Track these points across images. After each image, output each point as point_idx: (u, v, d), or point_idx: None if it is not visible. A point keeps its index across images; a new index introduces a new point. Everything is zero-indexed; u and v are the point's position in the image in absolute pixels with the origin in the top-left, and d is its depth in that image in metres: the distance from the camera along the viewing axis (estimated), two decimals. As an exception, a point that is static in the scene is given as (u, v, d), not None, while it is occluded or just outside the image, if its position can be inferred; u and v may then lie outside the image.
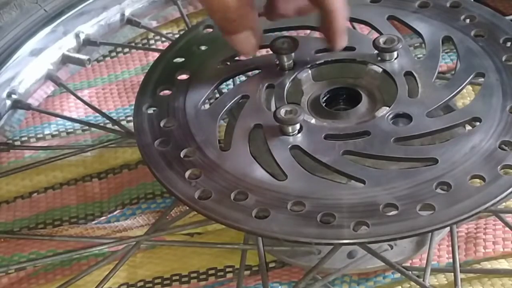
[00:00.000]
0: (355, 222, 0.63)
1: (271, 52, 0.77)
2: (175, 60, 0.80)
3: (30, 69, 0.89)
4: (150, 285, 0.79)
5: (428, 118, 0.71)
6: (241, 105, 0.76)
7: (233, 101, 0.76)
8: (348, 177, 0.68)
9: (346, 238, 0.64)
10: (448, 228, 0.72)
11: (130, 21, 0.96)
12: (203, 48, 0.81)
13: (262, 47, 0.81)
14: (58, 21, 0.91)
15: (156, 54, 0.89)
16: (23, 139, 0.92)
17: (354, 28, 0.84)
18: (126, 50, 0.99)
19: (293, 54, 0.77)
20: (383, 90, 0.75)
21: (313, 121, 0.73)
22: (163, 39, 0.98)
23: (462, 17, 0.79)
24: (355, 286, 0.76)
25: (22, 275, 0.80)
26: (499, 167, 0.66)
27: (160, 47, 0.97)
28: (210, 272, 0.79)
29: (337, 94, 0.75)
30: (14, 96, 0.87)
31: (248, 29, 0.70)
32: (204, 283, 0.78)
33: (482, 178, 0.65)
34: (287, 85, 0.76)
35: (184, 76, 0.79)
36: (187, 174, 0.69)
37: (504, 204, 0.78)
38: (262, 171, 0.69)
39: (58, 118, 0.92)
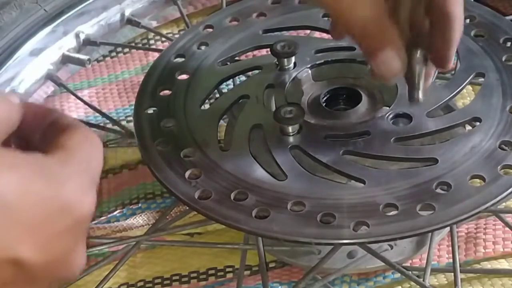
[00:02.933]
0: (355, 222, 0.63)
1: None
2: (175, 60, 0.80)
3: (30, 69, 0.89)
4: (150, 285, 0.78)
5: (428, 118, 0.71)
6: (241, 105, 0.76)
7: (233, 101, 0.76)
8: (348, 177, 0.68)
9: (346, 238, 0.64)
10: (448, 228, 0.72)
11: (130, 21, 0.96)
12: (203, 48, 0.81)
13: (262, 46, 0.81)
14: (58, 21, 0.91)
15: (156, 54, 0.89)
16: (23, 139, 0.92)
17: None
18: (126, 50, 0.99)
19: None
20: (383, 90, 0.75)
21: (313, 121, 0.73)
22: (163, 39, 0.98)
23: (462, 17, 0.79)
24: (355, 286, 0.76)
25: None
26: (499, 167, 0.66)
27: (160, 47, 0.97)
28: (210, 272, 0.79)
29: (337, 94, 0.75)
30: (14, 96, 0.87)
31: (391, 45, 0.64)
32: (204, 283, 0.78)
33: (482, 178, 0.65)
34: (287, 85, 0.76)
35: (184, 76, 0.79)
36: (187, 174, 0.69)
37: (504, 204, 0.78)
38: (262, 171, 0.69)
39: (58, 118, 0.92)
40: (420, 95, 0.68)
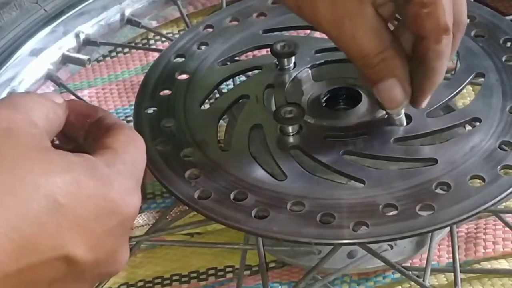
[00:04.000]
0: (354, 222, 0.63)
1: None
2: (175, 60, 0.80)
3: (30, 69, 0.89)
4: (150, 285, 0.78)
5: (428, 118, 0.71)
6: (241, 105, 0.76)
7: (233, 101, 0.76)
8: (348, 177, 0.68)
9: (346, 238, 0.64)
10: (448, 228, 0.71)
11: (130, 21, 0.96)
12: (203, 48, 0.81)
13: (262, 46, 0.81)
14: (58, 21, 0.91)
15: (156, 54, 0.89)
16: (23, 139, 0.92)
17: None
18: (126, 50, 0.99)
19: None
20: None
21: (313, 121, 0.72)
22: (163, 39, 0.98)
23: (462, 17, 0.79)
24: (355, 286, 0.76)
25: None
26: (499, 167, 0.66)
27: (160, 47, 0.97)
28: (210, 272, 0.79)
29: (337, 94, 0.75)
30: (14, 96, 0.87)
31: (393, 76, 0.64)
32: (204, 283, 0.78)
33: (482, 178, 0.65)
34: (287, 85, 0.76)
35: (184, 76, 0.79)
36: (187, 174, 0.69)
37: (504, 204, 0.78)
38: (262, 171, 0.69)
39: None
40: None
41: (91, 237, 0.51)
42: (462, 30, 0.66)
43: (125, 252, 0.55)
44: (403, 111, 0.69)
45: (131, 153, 0.55)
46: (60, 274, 0.50)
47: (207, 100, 0.78)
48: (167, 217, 0.77)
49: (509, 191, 0.65)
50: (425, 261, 0.71)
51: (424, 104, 0.68)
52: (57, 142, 0.58)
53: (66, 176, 0.50)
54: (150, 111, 0.76)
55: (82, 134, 0.59)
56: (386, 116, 0.70)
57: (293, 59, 0.77)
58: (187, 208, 0.68)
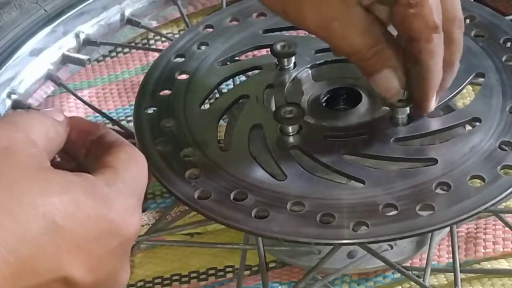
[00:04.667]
0: (354, 222, 0.63)
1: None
2: (175, 60, 0.80)
3: (30, 69, 0.89)
4: (150, 285, 0.78)
5: (428, 118, 0.71)
6: (241, 105, 0.76)
7: (233, 101, 0.76)
8: (348, 177, 0.68)
9: (346, 238, 0.64)
10: (448, 228, 0.72)
11: (130, 21, 0.96)
12: (203, 48, 0.81)
13: (262, 46, 0.81)
14: (58, 21, 0.91)
15: (156, 54, 0.89)
16: (23, 139, 0.91)
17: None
18: (126, 50, 0.99)
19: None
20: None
21: (313, 121, 0.73)
22: (163, 39, 0.98)
23: (462, 17, 0.79)
24: (355, 286, 0.76)
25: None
26: (499, 167, 0.66)
27: (160, 47, 0.97)
28: (210, 272, 0.79)
29: (337, 94, 0.75)
30: (14, 96, 0.87)
31: (387, 67, 0.65)
32: (204, 283, 0.78)
33: (482, 178, 0.65)
34: (287, 85, 0.76)
35: (184, 76, 0.79)
36: (186, 174, 0.69)
37: (504, 204, 0.78)
38: (262, 171, 0.69)
39: (58, 118, 0.92)
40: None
41: (91, 258, 0.50)
42: (460, 26, 0.67)
43: (126, 273, 0.54)
44: (407, 109, 0.69)
45: (132, 171, 0.55)
46: None
47: (207, 100, 0.78)
48: (167, 217, 0.77)
49: (509, 191, 0.65)
50: (425, 261, 0.71)
51: (431, 107, 0.69)
52: (58, 159, 0.58)
53: (65, 196, 0.49)
54: (150, 111, 0.76)
55: (83, 151, 0.58)
56: (390, 114, 0.70)
57: (293, 59, 0.77)
58: (187, 208, 0.69)
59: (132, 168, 0.55)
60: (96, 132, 0.58)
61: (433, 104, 0.69)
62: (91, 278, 0.50)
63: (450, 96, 0.73)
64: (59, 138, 0.55)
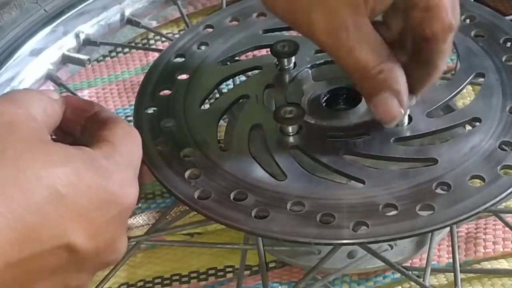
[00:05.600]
0: (354, 222, 0.63)
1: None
2: (175, 60, 0.80)
3: (30, 69, 0.89)
4: (150, 285, 0.78)
5: (428, 118, 0.71)
6: (241, 105, 0.76)
7: (233, 101, 0.76)
8: (348, 177, 0.68)
9: (346, 238, 0.64)
10: (448, 228, 0.71)
11: (130, 21, 0.96)
12: (203, 48, 0.81)
13: (262, 46, 0.81)
14: (58, 21, 0.91)
15: (156, 54, 0.89)
16: (23, 139, 0.92)
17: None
18: (126, 50, 0.99)
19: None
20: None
21: (313, 121, 0.73)
22: (163, 39, 0.98)
23: (462, 17, 0.79)
24: (355, 286, 0.76)
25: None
26: (499, 167, 0.66)
27: (160, 47, 0.97)
28: (210, 272, 0.79)
29: (337, 94, 0.75)
30: (14, 96, 0.87)
31: (390, 89, 0.63)
32: (204, 283, 0.78)
33: (482, 178, 0.65)
34: (287, 85, 0.76)
35: (184, 76, 0.79)
36: (186, 174, 0.69)
37: (504, 204, 0.78)
38: (262, 171, 0.69)
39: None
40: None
41: (92, 226, 0.52)
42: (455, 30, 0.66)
43: (124, 242, 0.56)
44: (408, 111, 0.69)
45: (127, 145, 0.57)
46: (62, 262, 0.52)
47: (207, 100, 0.78)
48: (167, 217, 0.77)
49: (509, 191, 0.65)
50: (425, 261, 0.71)
51: (418, 97, 0.70)
52: (54, 137, 0.59)
53: (67, 167, 0.51)
54: (150, 111, 0.76)
55: (78, 128, 0.60)
56: None
57: (293, 59, 0.77)
58: (187, 208, 0.68)
59: (128, 142, 0.57)
60: (91, 109, 0.61)
61: (419, 96, 0.69)
62: (92, 245, 0.52)
63: (450, 96, 0.73)
64: (56, 115, 0.58)
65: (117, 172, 0.54)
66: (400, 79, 0.64)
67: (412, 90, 0.67)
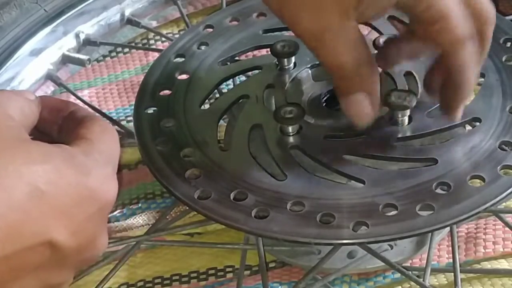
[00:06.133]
0: (354, 222, 0.63)
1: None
2: (175, 60, 0.80)
3: (30, 69, 0.89)
4: (150, 285, 0.78)
5: (428, 118, 0.71)
6: (241, 105, 0.76)
7: (233, 101, 0.76)
8: (348, 177, 0.68)
9: (346, 238, 0.64)
10: (448, 228, 0.72)
11: (130, 21, 0.96)
12: (203, 48, 0.81)
13: (262, 46, 0.81)
14: (58, 21, 0.91)
15: (156, 54, 0.89)
16: (23, 139, 0.92)
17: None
18: (126, 50, 0.99)
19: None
20: (383, 90, 0.75)
21: (313, 121, 0.73)
22: (163, 39, 0.98)
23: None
24: (355, 286, 0.76)
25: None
26: (499, 167, 0.66)
27: (160, 47, 0.97)
28: (210, 272, 0.79)
29: (337, 94, 0.75)
30: (14, 96, 0.87)
31: (363, 91, 0.64)
32: (204, 283, 0.78)
33: (482, 178, 0.65)
34: (287, 85, 0.76)
35: (184, 76, 0.79)
36: (186, 174, 0.69)
37: (504, 204, 0.78)
38: (262, 171, 0.69)
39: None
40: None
41: (73, 223, 0.52)
42: (491, 23, 0.65)
43: (104, 238, 0.57)
44: (408, 111, 0.69)
45: (105, 142, 0.57)
46: (44, 259, 0.52)
47: (207, 100, 0.78)
48: (167, 217, 0.77)
49: (509, 191, 0.65)
50: (425, 261, 0.71)
51: (458, 117, 0.68)
52: (31, 137, 0.59)
53: (47, 165, 0.51)
54: (150, 111, 0.76)
55: (55, 128, 0.61)
56: (390, 114, 0.70)
57: (293, 59, 0.77)
58: (187, 208, 0.68)
59: (105, 139, 0.58)
60: (67, 108, 0.61)
61: (460, 113, 0.68)
62: (74, 242, 0.53)
63: (450, 96, 0.73)
64: (33, 115, 0.58)
65: (96, 168, 0.54)
66: (375, 83, 0.65)
67: (446, 111, 0.67)
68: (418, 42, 0.66)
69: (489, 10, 0.64)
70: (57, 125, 0.61)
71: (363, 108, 0.65)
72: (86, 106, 0.90)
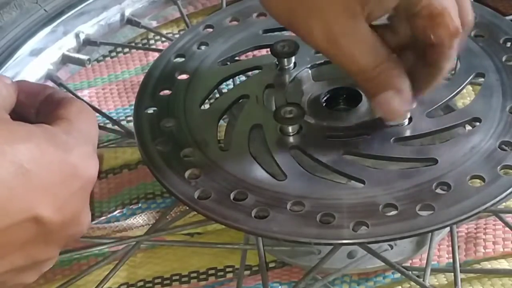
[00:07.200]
0: (354, 222, 0.63)
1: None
2: (175, 60, 0.80)
3: (30, 69, 0.89)
4: (150, 285, 0.78)
5: (428, 118, 0.71)
6: (241, 105, 0.76)
7: (233, 101, 0.76)
8: (348, 177, 0.68)
9: (346, 238, 0.64)
10: (448, 228, 0.72)
11: (130, 21, 0.96)
12: (203, 48, 0.81)
13: (262, 46, 0.81)
14: (58, 21, 0.91)
15: (156, 54, 0.89)
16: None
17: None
18: (126, 50, 0.99)
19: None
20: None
21: (313, 121, 0.73)
22: (163, 39, 0.98)
23: (462, 17, 0.79)
24: (355, 286, 0.76)
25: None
26: (499, 167, 0.66)
27: (160, 47, 0.97)
28: (210, 272, 0.79)
29: (337, 94, 0.75)
30: (14, 96, 0.87)
31: (391, 88, 0.65)
32: (204, 283, 0.78)
33: (482, 178, 0.65)
34: (287, 85, 0.76)
35: (184, 76, 0.79)
36: (186, 174, 0.69)
37: (504, 204, 0.78)
38: (262, 171, 0.69)
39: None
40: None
41: (57, 199, 0.54)
42: (467, 30, 0.67)
43: (87, 214, 0.58)
44: (412, 107, 0.69)
45: (84, 122, 0.59)
46: (30, 235, 0.53)
47: (207, 100, 0.78)
48: (167, 217, 0.77)
49: (509, 191, 0.65)
50: (425, 261, 0.71)
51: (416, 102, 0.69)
52: None
53: (29, 143, 0.53)
54: (150, 111, 0.76)
55: (33, 112, 0.61)
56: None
57: (293, 59, 0.77)
58: (187, 208, 0.68)
59: (84, 119, 0.59)
60: (44, 92, 0.62)
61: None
62: (59, 217, 0.54)
63: (450, 96, 0.73)
64: (10, 98, 0.59)
65: (77, 146, 0.56)
66: (401, 78, 0.65)
67: (417, 91, 0.67)
68: (404, 36, 0.67)
69: (470, 18, 0.67)
70: (35, 108, 0.61)
71: (394, 106, 0.66)
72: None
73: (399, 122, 0.69)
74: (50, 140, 0.54)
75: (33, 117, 0.61)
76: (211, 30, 0.83)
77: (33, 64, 0.89)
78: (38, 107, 0.61)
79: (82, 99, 0.88)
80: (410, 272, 0.69)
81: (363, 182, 0.67)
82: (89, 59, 0.92)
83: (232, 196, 0.67)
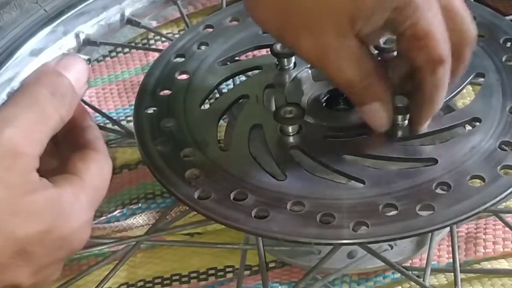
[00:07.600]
0: (354, 222, 0.63)
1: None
2: (175, 60, 0.80)
3: (30, 69, 0.89)
4: (150, 285, 0.78)
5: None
6: (241, 105, 0.76)
7: (233, 101, 0.76)
8: (348, 177, 0.68)
9: (346, 238, 0.64)
10: (448, 228, 0.72)
11: (130, 21, 0.96)
12: (203, 48, 0.81)
13: (262, 46, 0.81)
14: (58, 21, 0.91)
15: (156, 54, 0.89)
16: (23, 139, 0.91)
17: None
18: (126, 50, 0.99)
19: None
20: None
21: (313, 121, 0.73)
22: (163, 39, 0.98)
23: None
24: (355, 286, 0.76)
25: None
26: (499, 167, 0.66)
27: (160, 47, 0.97)
28: (210, 272, 0.79)
29: (337, 94, 0.75)
30: (14, 96, 0.87)
31: (376, 100, 0.66)
32: (204, 283, 0.78)
33: (482, 178, 0.65)
34: (287, 85, 0.76)
35: (184, 76, 0.79)
36: (186, 174, 0.69)
37: (504, 204, 0.78)
38: (262, 171, 0.69)
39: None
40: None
41: (37, 266, 0.56)
42: (471, 46, 0.66)
43: (58, 272, 0.60)
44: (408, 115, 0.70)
45: (97, 185, 0.59)
46: None
47: (207, 100, 0.78)
48: (167, 217, 0.77)
49: (509, 191, 0.65)
50: (425, 261, 0.71)
51: (422, 130, 0.70)
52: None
53: (33, 225, 0.54)
54: (150, 111, 0.76)
55: (63, 130, 0.60)
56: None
57: (293, 59, 0.77)
58: (187, 208, 0.68)
59: (98, 182, 0.59)
60: (82, 121, 0.63)
61: (424, 128, 0.70)
62: (32, 281, 0.56)
63: (450, 96, 0.73)
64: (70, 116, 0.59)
65: (79, 215, 0.57)
66: (385, 90, 0.66)
67: (411, 126, 0.69)
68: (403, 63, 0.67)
69: (472, 33, 0.66)
70: (67, 129, 0.61)
71: (378, 116, 0.67)
72: (86, 106, 0.90)
73: (383, 130, 0.69)
74: (52, 214, 0.55)
75: (61, 134, 0.60)
76: (211, 30, 0.83)
77: (33, 64, 0.89)
78: (70, 130, 0.61)
79: (82, 99, 0.89)
80: (410, 272, 0.69)
81: (363, 182, 0.67)
82: (89, 59, 0.91)
83: (232, 196, 0.67)
